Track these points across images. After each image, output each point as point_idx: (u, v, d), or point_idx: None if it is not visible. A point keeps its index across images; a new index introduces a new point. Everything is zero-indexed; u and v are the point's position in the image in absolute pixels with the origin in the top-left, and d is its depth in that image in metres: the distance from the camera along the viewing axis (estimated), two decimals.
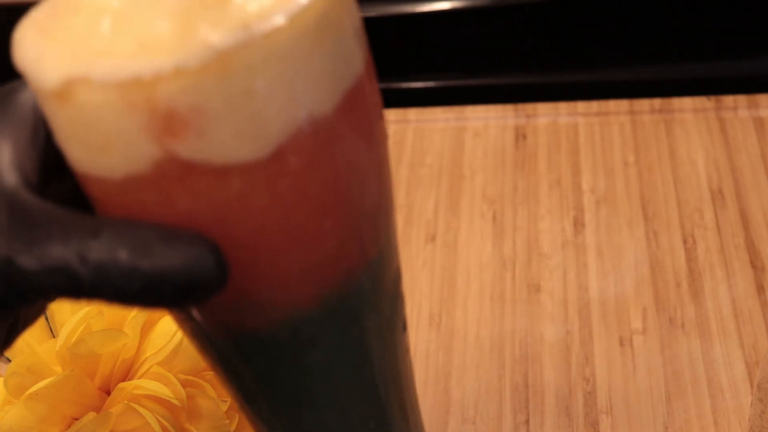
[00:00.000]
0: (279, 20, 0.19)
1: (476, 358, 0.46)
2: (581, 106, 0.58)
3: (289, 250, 0.21)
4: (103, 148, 0.20)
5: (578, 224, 0.52)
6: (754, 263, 0.49)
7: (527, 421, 0.43)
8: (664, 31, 0.63)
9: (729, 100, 0.57)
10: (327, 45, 0.20)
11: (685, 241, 0.50)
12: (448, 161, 0.56)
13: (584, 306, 0.48)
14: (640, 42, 0.62)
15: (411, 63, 0.64)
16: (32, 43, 0.20)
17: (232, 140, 0.19)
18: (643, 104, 0.58)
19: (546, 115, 0.58)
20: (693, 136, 0.56)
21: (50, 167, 0.22)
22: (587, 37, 0.63)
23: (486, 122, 0.58)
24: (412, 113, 0.60)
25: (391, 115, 0.60)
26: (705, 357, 0.45)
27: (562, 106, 0.58)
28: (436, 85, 0.62)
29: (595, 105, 0.58)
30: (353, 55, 0.21)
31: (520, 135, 0.57)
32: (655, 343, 0.46)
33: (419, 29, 0.64)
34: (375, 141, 0.23)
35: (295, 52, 0.20)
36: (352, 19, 0.22)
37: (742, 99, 0.57)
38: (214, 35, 0.19)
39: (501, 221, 0.53)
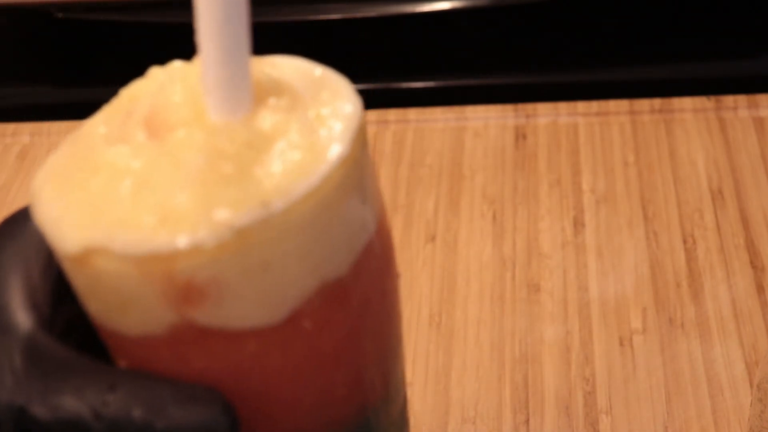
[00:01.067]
0: (298, 195, 0.19)
1: (476, 358, 0.46)
2: (581, 106, 0.58)
3: (301, 400, 0.22)
4: (120, 309, 0.20)
5: (578, 224, 0.52)
6: (754, 263, 0.49)
7: (527, 421, 0.44)
8: (664, 31, 0.63)
9: (729, 100, 0.57)
10: (344, 213, 0.20)
11: (685, 241, 0.50)
12: (448, 161, 0.56)
13: (584, 306, 0.48)
14: (640, 42, 0.62)
15: (411, 63, 0.64)
16: (51, 202, 0.20)
17: (248, 308, 0.20)
18: (643, 104, 0.58)
19: (546, 115, 0.58)
20: (693, 136, 0.56)
21: (63, 291, 0.21)
22: (587, 37, 0.63)
23: (486, 122, 0.58)
24: (412, 113, 0.60)
25: (391, 115, 0.60)
26: (705, 357, 0.45)
27: (562, 106, 0.58)
28: (436, 85, 0.62)
29: (595, 105, 0.58)
30: (368, 218, 0.22)
31: (520, 135, 0.57)
32: (655, 343, 0.46)
33: (419, 29, 0.64)
34: (386, 292, 0.23)
35: (312, 224, 0.20)
36: (369, 181, 0.22)
37: (742, 99, 0.57)
38: (233, 214, 0.19)
39: (501, 221, 0.53)
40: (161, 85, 0.21)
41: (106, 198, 0.20)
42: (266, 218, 0.19)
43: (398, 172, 0.56)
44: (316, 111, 0.21)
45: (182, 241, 0.18)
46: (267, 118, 0.20)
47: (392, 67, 0.64)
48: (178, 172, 0.19)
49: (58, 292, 0.21)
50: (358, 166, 0.21)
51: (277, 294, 0.20)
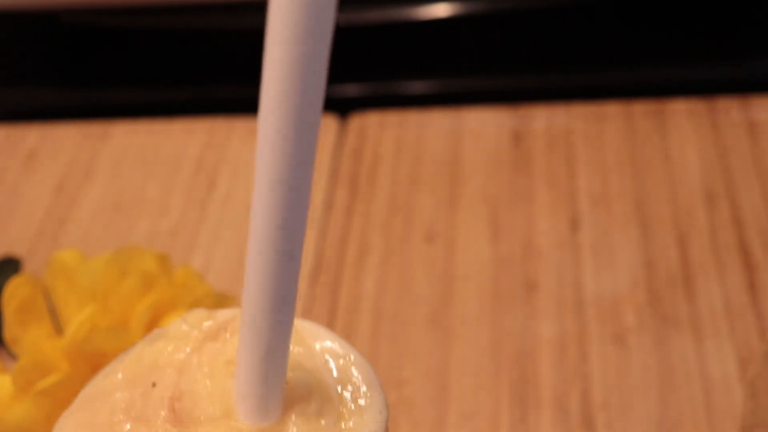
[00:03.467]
0: None
1: (474, 356, 0.47)
2: (577, 108, 0.59)
3: None
4: None
5: (574, 224, 0.52)
6: (746, 262, 0.49)
7: (524, 418, 0.44)
8: (658, 33, 0.63)
9: (722, 102, 0.57)
10: None
11: (679, 241, 0.51)
12: (446, 162, 0.57)
13: (580, 304, 0.48)
14: (634, 44, 0.63)
15: (411, 67, 0.64)
16: None
17: None
18: (638, 106, 0.58)
19: (542, 117, 0.58)
20: (687, 137, 0.56)
21: None
22: (582, 39, 0.63)
23: (484, 124, 0.59)
24: (412, 115, 0.60)
25: (391, 116, 0.60)
26: (698, 354, 0.45)
27: (559, 108, 0.59)
28: (434, 88, 0.63)
29: (590, 107, 0.58)
30: None
31: (517, 136, 0.58)
32: (649, 341, 0.46)
33: (419, 34, 0.64)
34: None
35: None
36: None
37: (735, 101, 0.57)
38: None
39: (498, 221, 0.53)
40: (187, 365, 0.21)
41: None
42: None
43: (398, 172, 0.57)
44: (343, 422, 0.21)
45: None
46: (295, 429, 0.20)
47: (393, 71, 0.64)
48: None
49: None
50: None
51: None
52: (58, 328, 0.42)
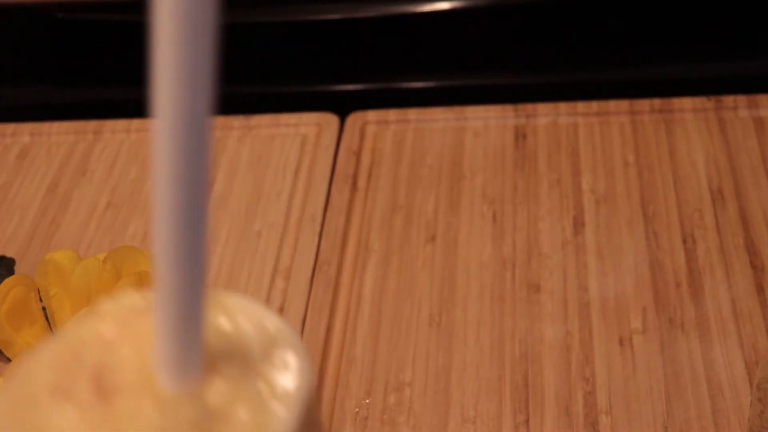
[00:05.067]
0: None
1: (476, 358, 0.46)
2: (581, 106, 0.58)
3: None
4: None
5: (578, 224, 0.52)
6: (754, 263, 0.49)
7: (527, 421, 0.44)
8: (663, 31, 0.63)
9: (729, 100, 0.57)
10: None
11: (684, 241, 0.50)
12: (448, 161, 0.57)
13: (584, 306, 0.48)
14: (639, 42, 0.63)
15: (411, 63, 0.64)
16: None
17: None
18: (643, 104, 0.58)
19: (546, 115, 0.58)
20: (693, 136, 0.56)
21: None
22: (587, 37, 0.63)
23: (486, 122, 0.59)
24: (412, 113, 0.60)
25: (392, 115, 0.60)
26: (705, 357, 0.45)
27: (562, 106, 0.58)
28: (436, 85, 0.63)
29: (595, 105, 0.58)
30: None
31: (520, 135, 0.58)
32: (654, 343, 0.46)
33: (419, 29, 0.64)
34: None
35: None
36: None
37: (742, 99, 0.57)
38: None
39: (501, 221, 0.53)
40: (112, 339, 0.22)
41: None
42: None
43: (398, 172, 0.56)
44: (266, 382, 0.21)
45: None
46: (217, 391, 0.21)
47: (392, 67, 0.64)
48: None
49: None
50: None
51: None
52: (52, 330, 0.42)
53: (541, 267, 0.50)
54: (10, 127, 0.62)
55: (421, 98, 0.61)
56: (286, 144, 0.59)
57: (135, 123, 0.61)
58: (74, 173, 0.59)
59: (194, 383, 0.21)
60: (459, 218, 0.53)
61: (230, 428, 0.20)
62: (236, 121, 0.61)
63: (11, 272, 0.50)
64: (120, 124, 0.61)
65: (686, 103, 0.57)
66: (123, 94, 0.65)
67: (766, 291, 0.47)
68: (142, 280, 0.38)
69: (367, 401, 0.45)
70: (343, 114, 0.60)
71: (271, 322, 0.23)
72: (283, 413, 0.21)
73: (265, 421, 0.21)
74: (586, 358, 0.46)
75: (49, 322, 0.43)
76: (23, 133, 0.62)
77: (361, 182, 0.56)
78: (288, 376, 0.22)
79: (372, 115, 0.60)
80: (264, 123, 0.60)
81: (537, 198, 0.54)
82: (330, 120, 0.60)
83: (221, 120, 0.61)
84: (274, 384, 0.21)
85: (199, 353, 0.21)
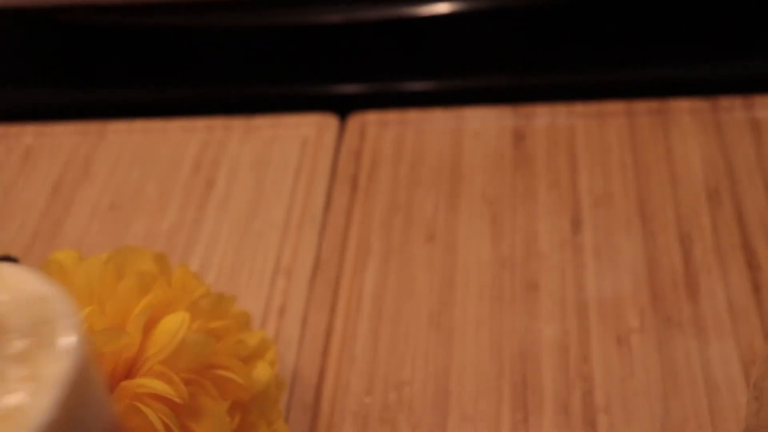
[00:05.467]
0: None
1: (475, 357, 0.46)
2: (579, 107, 0.58)
3: None
4: None
5: (576, 224, 0.52)
6: (750, 262, 0.49)
7: (525, 419, 0.44)
8: (661, 33, 0.63)
9: (725, 101, 0.57)
10: None
11: (682, 241, 0.50)
12: (447, 162, 0.57)
13: (582, 305, 0.48)
14: (637, 44, 0.63)
15: (411, 65, 0.64)
16: None
17: None
18: (641, 105, 0.58)
19: (544, 116, 0.58)
20: (690, 137, 0.56)
21: None
22: (585, 39, 0.63)
23: (485, 123, 0.59)
24: (412, 114, 0.60)
25: (392, 116, 0.60)
26: (702, 356, 0.45)
27: (560, 108, 0.58)
28: (435, 87, 0.63)
29: (592, 106, 0.58)
30: None
31: (518, 136, 0.58)
32: (652, 342, 0.46)
33: (419, 32, 0.64)
34: None
35: None
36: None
37: (738, 100, 0.57)
38: None
39: (500, 221, 0.53)
40: None
41: None
42: None
43: (398, 172, 0.56)
44: (21, 369, 0.19)
45: None
46: None
47: (392, 70, 0.64)
48: None
49: None
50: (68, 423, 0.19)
51: None
52: None
53: (539, 267, 0.50)
54: (13, 129, 0.62)
55: (421, 99, 0.61)
56: (287, 145, 0.59)
57: (138, 124, 0.62)
58: (77, 174, 0.59)
59: None
60: (458, 218, 0.53)
61: None
62: (237, 122, 0.61)
63: None
64: (123, 125, 0.62)
65: (683, 104, 0.58)
66: (126, 96, 0.65)
67: (762, 290, 0.48)
68: (143, 280, 0.38)
69: (368, 399, 0.45)
70: (343, 115, 0.61)
71: (44, 291, 0.20)
72: (40, 401, 0.18)
73: (16, 410, 0.18)
74: (584, 357, 0.46)
75: None
76: (27, 134, 0.62)
77: (362, 182, 0.56)
78: (46, 355, 0.19)
79: (372, 116, 0.60)
80: (265, 124, 0.61)
81: (535, 198, 0.54)
82: (330, 121, 0.60)
83: (222, 121, 0.61)
84: (29, 360, 0.19)
85: None
